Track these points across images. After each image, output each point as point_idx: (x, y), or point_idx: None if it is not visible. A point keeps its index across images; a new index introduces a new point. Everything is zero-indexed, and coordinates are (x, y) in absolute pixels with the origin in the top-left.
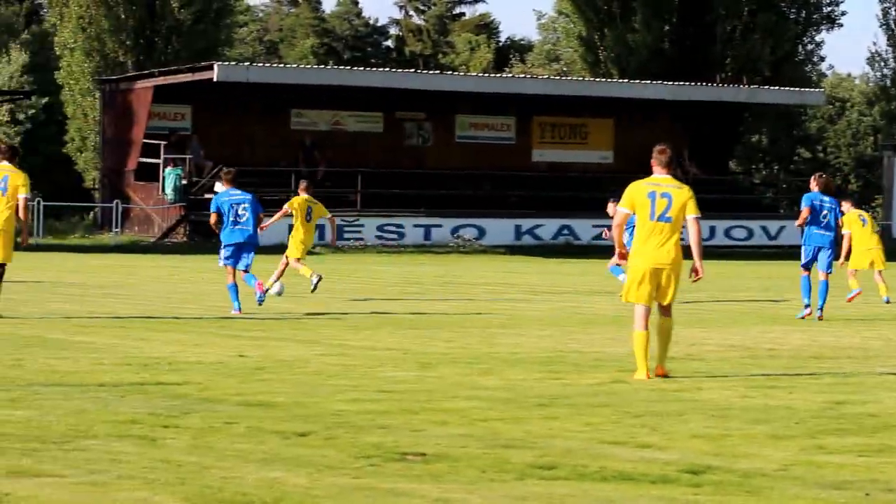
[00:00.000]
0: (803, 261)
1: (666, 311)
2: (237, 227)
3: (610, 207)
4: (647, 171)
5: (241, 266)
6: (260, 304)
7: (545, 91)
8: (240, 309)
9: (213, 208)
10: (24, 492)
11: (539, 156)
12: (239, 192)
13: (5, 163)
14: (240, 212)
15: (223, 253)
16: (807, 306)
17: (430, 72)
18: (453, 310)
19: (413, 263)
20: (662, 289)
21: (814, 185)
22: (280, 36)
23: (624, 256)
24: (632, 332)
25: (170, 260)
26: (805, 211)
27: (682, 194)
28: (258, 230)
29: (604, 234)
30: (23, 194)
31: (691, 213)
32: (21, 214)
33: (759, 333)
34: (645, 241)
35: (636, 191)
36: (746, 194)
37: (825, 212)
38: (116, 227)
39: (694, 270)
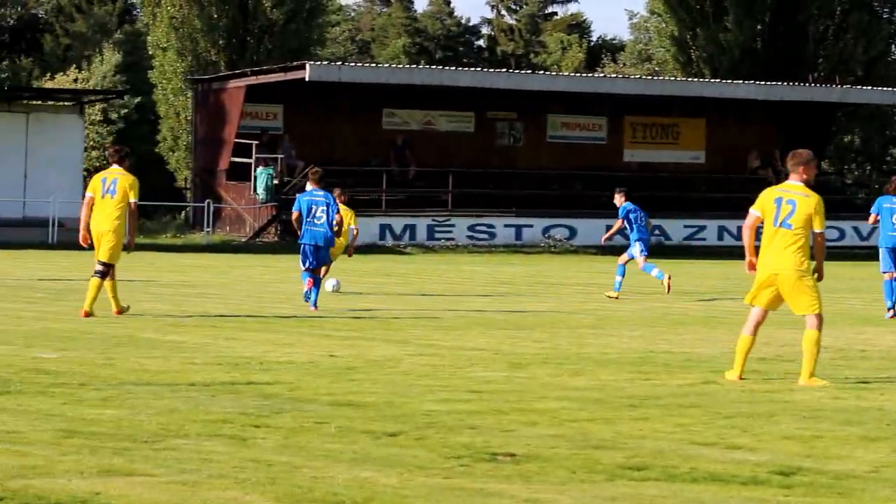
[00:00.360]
0: (881, 267)
1: (812, 321)
2: (312, 227)
3: (617, 198)
4: (738, 171)
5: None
6: (315, 307)
7: (637, 91)
8: (311, 278)
9: (295, 207)
10: (115, 490)
11: (630, 156)
12: (322, 192)
13: (115, 166)
14: (318, 213)
15: (301, 256)
16: (889, 309)
17: (522, 71)
18: (543, 310)
19: (504, 263)
20: (789, 297)
21: (888, 189)
22: (372, 35)
23: (753, 266)
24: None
25: (261, 259)
26: (872, 217)
27: (807, 203)
28: (333, 231)
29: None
30: (131, 199)
31: (816, 227)
32: (128, 218)
33: (850, 334)
34: (766, 247)
35: (767, 196)
36: (838, 194)
37: None
38: (208, 227)
39: (815, 272)
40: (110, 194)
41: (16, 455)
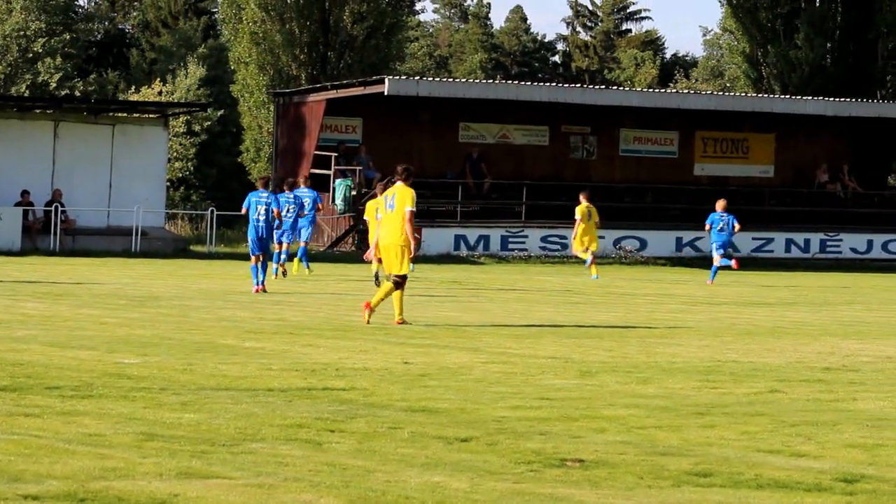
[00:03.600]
0: None
1: None
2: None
3: None
4: (806, 185)
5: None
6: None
7: (708, 106)
8: (261, 285)
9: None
10: (193, 493)
11: (701, 169)
12: (266, 193)
13: (399, 183)
14: (262, 211)
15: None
16: None
17: (596, 87)
18: (614, 320)
19: (575, 274)
20: None
21: None
22: (450, 51)
23: None
24: None
25: (338, 268)
26: None
27: None
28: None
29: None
30: (407, 206)
31: None
32: (406, 227)
33: None
34: None
35: None
36: None
37: None
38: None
39: None
40: (390, 208)
41: (97, 457)
